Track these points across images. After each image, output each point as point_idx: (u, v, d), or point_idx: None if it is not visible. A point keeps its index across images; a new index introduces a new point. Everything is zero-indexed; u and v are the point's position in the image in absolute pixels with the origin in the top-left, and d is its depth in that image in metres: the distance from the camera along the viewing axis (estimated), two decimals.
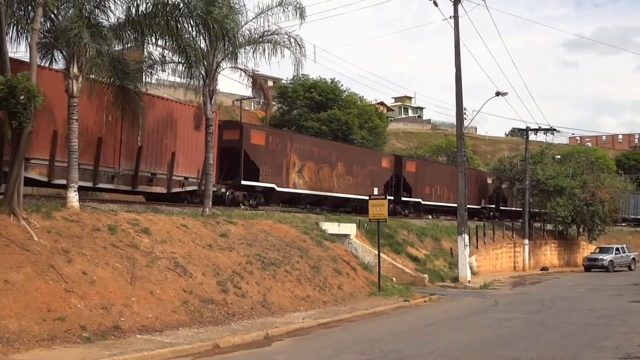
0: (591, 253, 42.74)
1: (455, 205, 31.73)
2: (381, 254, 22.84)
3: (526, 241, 40.09)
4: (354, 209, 31.29)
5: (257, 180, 25.39)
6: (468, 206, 31.15)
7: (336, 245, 22.63)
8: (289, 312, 15.80)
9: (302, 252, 19.56)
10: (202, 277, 14.89)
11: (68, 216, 14.18)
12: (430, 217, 37.77)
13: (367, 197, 24.18)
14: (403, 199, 35.16)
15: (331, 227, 24.32)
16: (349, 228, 25.94)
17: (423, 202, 36.66)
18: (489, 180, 44.30)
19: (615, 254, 40.63)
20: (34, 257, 12.07)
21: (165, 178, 20.90)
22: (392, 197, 32.02)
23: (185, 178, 21.85)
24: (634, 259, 41.78)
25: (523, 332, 14.17)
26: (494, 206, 44.95)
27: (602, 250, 41.88)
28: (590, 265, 40.49)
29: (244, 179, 24.68)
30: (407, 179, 35.44)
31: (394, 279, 23.88)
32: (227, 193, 24.27)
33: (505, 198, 45.53)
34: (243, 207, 24.01)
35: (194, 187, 22.09)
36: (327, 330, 14.28)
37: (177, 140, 21.38)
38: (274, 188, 26.22)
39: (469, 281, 26.93)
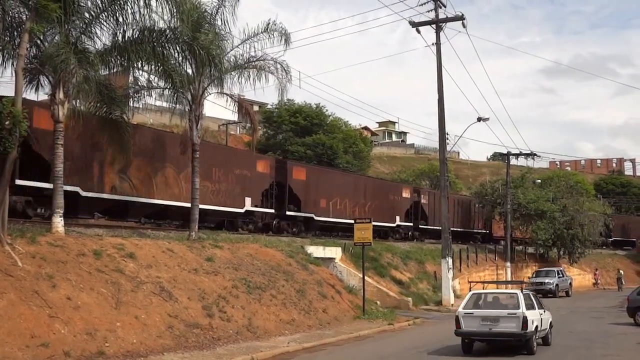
0: (532, 277, 39.56)
1: (381, 224, 32.02)
2: (366, 278, 22.94)
3: (508, 264, 40.45)
4: (219, 225, 25.00)
5: None
6: (377, 223, 29.67)
7: (321, 268, 22.70)
8: (274, 336, 15.81)
9: (288, 276, 19.60)
10: (187, 302, 14.86)
11: (53, 241, 14.12)
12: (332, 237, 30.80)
13: (235, 209, 23.90)
14: (289, 213, 28.26)
15: (316, 250, 24.40)
16: (334, 252, 26.03)
17: (317, 218, 29.90)
18: (406, 194, 37.94)
19: (559, 277, 38.71)
20: (17, 282, 11.97)
21: None
22: (272, 211, 26.96)
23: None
24: (570, 283, 40.39)
25: None
26: (411, 224, 38.61)
27: (543, 273, 39.53)
28: (536, 290, 29.90)
29: None
30: (295, 189, 28.47)
31: (378, 302, 23.94)
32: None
33: (426, 215, 39.84)
34: None
35: None
36: (312, 354, 14.31)
37: None
38: None
39: (452, 304, 27.02)
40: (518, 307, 14.19)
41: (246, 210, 25.37)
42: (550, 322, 16.30)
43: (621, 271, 46.52)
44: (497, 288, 18.89)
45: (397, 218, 35.78)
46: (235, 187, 24.78)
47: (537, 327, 14.42)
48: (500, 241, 45.56)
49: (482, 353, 14.69)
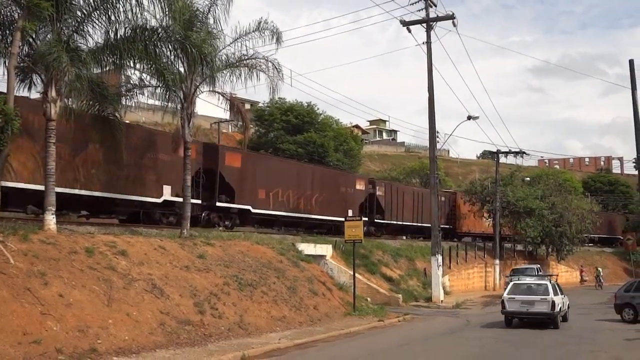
0: (510, 275, 34.09)
1: (316, 216, 30.24)
2: (356, 275, 23.11)
3: (497, 261, 40.81)
4: (134, 216, 21.96)
5: None
6: (326, 217, 29.71)
7: (312, 266, 22.85)
8: (265, 333, 15.92)
9: (279, 273, 19.74)
10: (179, 299, 14.96)
11: (45, 239, 14.16)
12: (272, 231, 27.90)
13: (150, 199, 21.05)
14: (220, 204, 24.92)
15: (307, 248, 24.55)
16: (324, 249, 26.20)
17: (254, 210, 26.68)
18: (360, 185, 34.44)
19: (539, 275, 33.16)
20: (10, 280, 12.01)
21: None
22: (198, 201, 23.30)
23: None
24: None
25: (495, 352, 14.50)
26: (366, 219, 33.50)
27: (521, 272, 34.07)
28: None
29: None
30: (228, 178, 25.19)
31: (368, 299, 24.13)
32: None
33: (383, 208, 36.42)
34: None
35: None
36: (303, 350, 14.43)
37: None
38: None
39: (441, 301, 27.33)
40: (548, 294, 19.12)
41: (164, 200, 21.93)
42: (568, 305, 21.60)
43: (599, 268, 45.97)
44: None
45: (350, 212, 31.78)
46: (149, 173, 21.44)
47: (560, 308, 19.53)
48: (462, 237, 45.05)
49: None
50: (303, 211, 29.70)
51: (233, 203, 25.47)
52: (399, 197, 38.24)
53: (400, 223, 38.28)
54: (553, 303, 18.84)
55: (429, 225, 36.58)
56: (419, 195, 40.68)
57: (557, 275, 31.05)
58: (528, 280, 22.06)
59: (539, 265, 37.72)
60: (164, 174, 21.95)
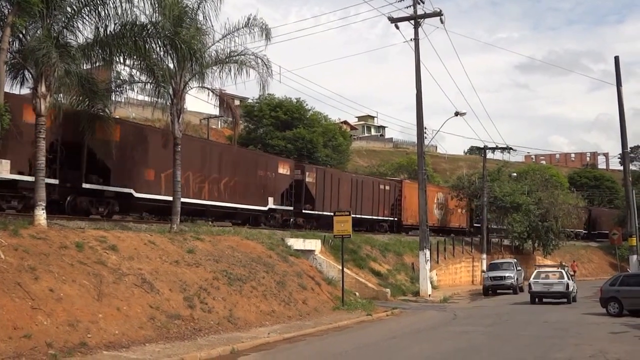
0: (488, 270, 34.56)
1: (225, 204, 25.78)
2: (345, 269, 23.30)
3: (484, 256, 41.22)
4: None
5: None
6: (238, 205, 25.53)
7: (301, 260, 23.02)
8: (254, 327, 16.05)
9: (268, 268, 19.88)
10: (169, 293, 15.05)
11: (35, 234, 14.20)
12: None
13: None
14: (88, 186, 20.07)
15: (296, 243, 24.71)
16: (313, 244, 26.38)
17: (138, 195, 21.64)
18: (283, 169, 30.10)
19: (517, 270, 34.11)
20: (0, 275, 12.07)
21: None
22: (55, 181, 18.52)
23: None
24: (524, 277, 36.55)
25: (482, 345, 14.63)
26: (291, 208, 30.76)
27: (497, 266, 34.21)
28: (495, 285, 32.40)
29: None
30: (100, 154, 20.17)
31: (357, 293, 24.35)
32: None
33: (313, 197, 31.76)
34: None
35: None
36: (292, 344, 14.56)
37: None
38: None
39: (429, 295, 27.61)
40: (563, 278, 26.52)
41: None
42: (577, 289, 28.35)
43: (564, 263, 45.90)
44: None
45: (270, 200, 28.40)
46: None
47: (572, 289, 26.87)
48: (409, 230, 40.38)
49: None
50: (208, 198, 24.96)
51: (108, 185, 20.79)
52: (334, 184, 33.50)
53: None
54: (567, 285, 26.24)
55: (371, 217, 36.64)
56: (359, 183, 36.21)
57: (568, 266, 36.88)
58: (547, 269, 28.31)
59: (516, 260, 36.42)
60: None
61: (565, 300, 26.19)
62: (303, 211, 31.28)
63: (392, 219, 39.69)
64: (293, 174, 30.77)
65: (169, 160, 20.96)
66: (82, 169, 20.04)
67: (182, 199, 21.21)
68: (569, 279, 26.65)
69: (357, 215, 33.89)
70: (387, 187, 39.29)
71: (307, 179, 31.49)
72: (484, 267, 39.07)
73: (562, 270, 27.27)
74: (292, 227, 30.22)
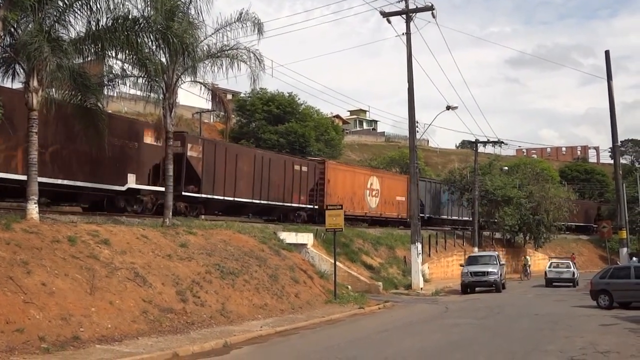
0: (467, 265, 30.50)
1: (50, 180, 17.47)
2: (337, 263, 23.40)
3: (476, 249, 41.42)
4: None
5: None
6: (82, 184, 18.95)
7: (294, 254, 23.11)
8: (247, 321, 16.12)
9: (261, 262, 19.95)
10: (161, 287, 15.09)
11: (27, 228, 14.18)
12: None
13: None
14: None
15: (289, 236, 24.78)
16: (306, 237, 26.46)
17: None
18: (150, 139, 22.17)
19: (500, 264, 31.14)
20: None
21: None
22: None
23: None
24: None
25: (473, 338, 14.72)
26: (164, 189, 21.24)
27: (476, 260, 31.04)
28: (476, 282, 29.30)
29: None
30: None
31: (349, 286, 24.48)
32: None
33: (199, 177, 24.61)
34: None
35: None
36: (285, 338, 14.64)
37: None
38: None
39: (421, 288, 27.77)
40: (570, 267, 34.61)
41: None
42: (578, 275, 35.34)
43: (527, 257, 44.33)
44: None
45: (132, 178, 21.34)
46: None
47: (577, 276, 34.57)
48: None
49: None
50: (20, 171, 17.00)
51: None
52: (229, 162, 26.31)
53: (231, 199, 26.32)
54: (573, 273, 34.21)
55: (279, 203, 29.51)
56: (264, 162, 28.52)
57: (575, 257, 45.79)
58: (558, 261, 36.43)
59: (497, 253, 33.96)
60: None
61: (571, 284, 33.46)
62: (183, 194, 23.85)
63: (311, 206, 31.91)
64: (173, 146, 21.67)
65: None
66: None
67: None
68: (575, 267, 35.10)
69: (264, 202, 28.37)
70: (305, 169, 31.49)
71: (188, 153, 24.17)
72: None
73: (570, 262, 35.86)
74: (176, 214, 22.09)
